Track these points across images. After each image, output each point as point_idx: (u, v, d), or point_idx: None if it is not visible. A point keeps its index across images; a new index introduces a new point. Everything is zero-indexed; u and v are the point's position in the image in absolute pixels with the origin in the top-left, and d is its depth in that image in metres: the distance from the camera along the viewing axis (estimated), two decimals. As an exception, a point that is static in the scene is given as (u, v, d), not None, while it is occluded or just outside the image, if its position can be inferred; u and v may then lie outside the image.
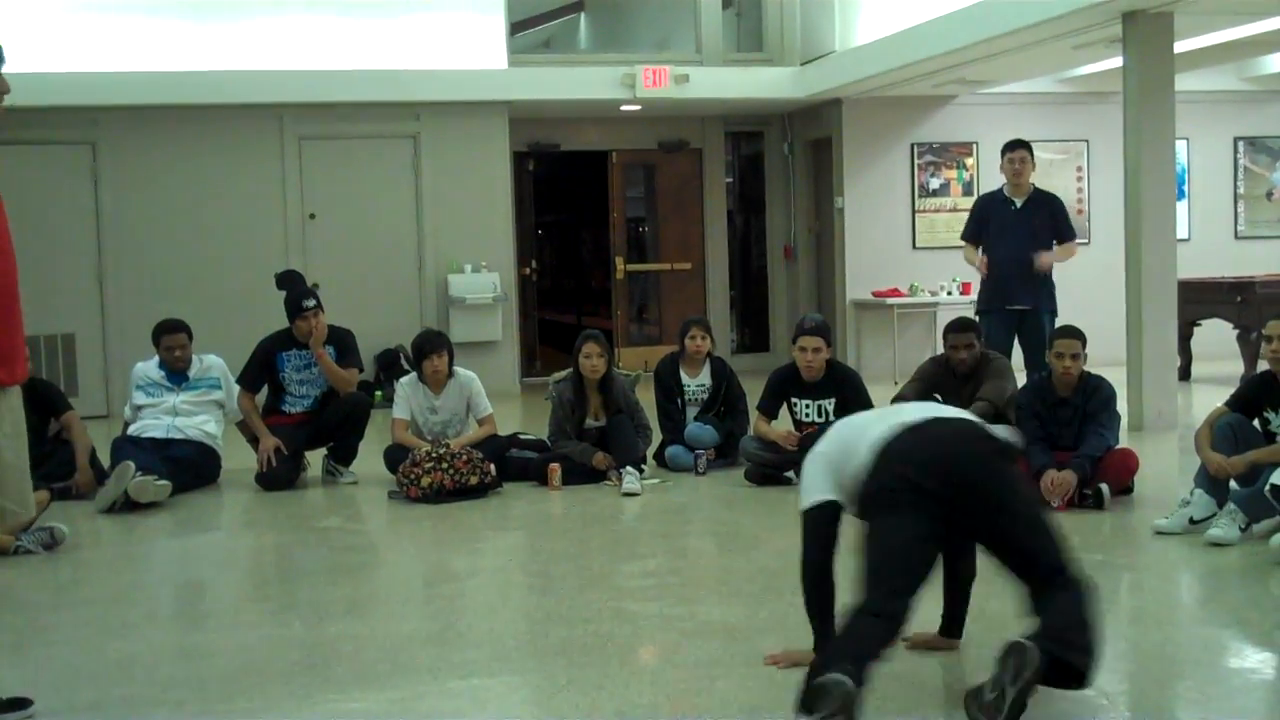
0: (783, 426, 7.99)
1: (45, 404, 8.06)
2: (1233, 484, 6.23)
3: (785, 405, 8.02)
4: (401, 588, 6.05)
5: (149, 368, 8.55)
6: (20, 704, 4.10)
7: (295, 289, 8.63)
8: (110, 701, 4.28)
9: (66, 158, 12.47)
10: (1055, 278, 9.24)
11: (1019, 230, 9.15)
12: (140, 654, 4.83)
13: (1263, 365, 6.47)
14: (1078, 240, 9.87)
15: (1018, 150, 9.25)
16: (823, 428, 5.78)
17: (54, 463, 7.85)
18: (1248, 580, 5.52)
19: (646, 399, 8.65)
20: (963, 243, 9.60)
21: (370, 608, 5.55)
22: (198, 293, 12.18)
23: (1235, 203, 14.74)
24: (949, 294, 13.18)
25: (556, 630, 4.94)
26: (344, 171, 13.03)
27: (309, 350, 8.47)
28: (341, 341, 8.57)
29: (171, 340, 8.47)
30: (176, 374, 8.47)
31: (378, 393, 11.87)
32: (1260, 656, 4.67)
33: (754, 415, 8.15)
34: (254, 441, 8.42)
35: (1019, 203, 9.24)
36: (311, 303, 8.48)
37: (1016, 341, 9.11)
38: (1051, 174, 13.28)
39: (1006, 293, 9.10)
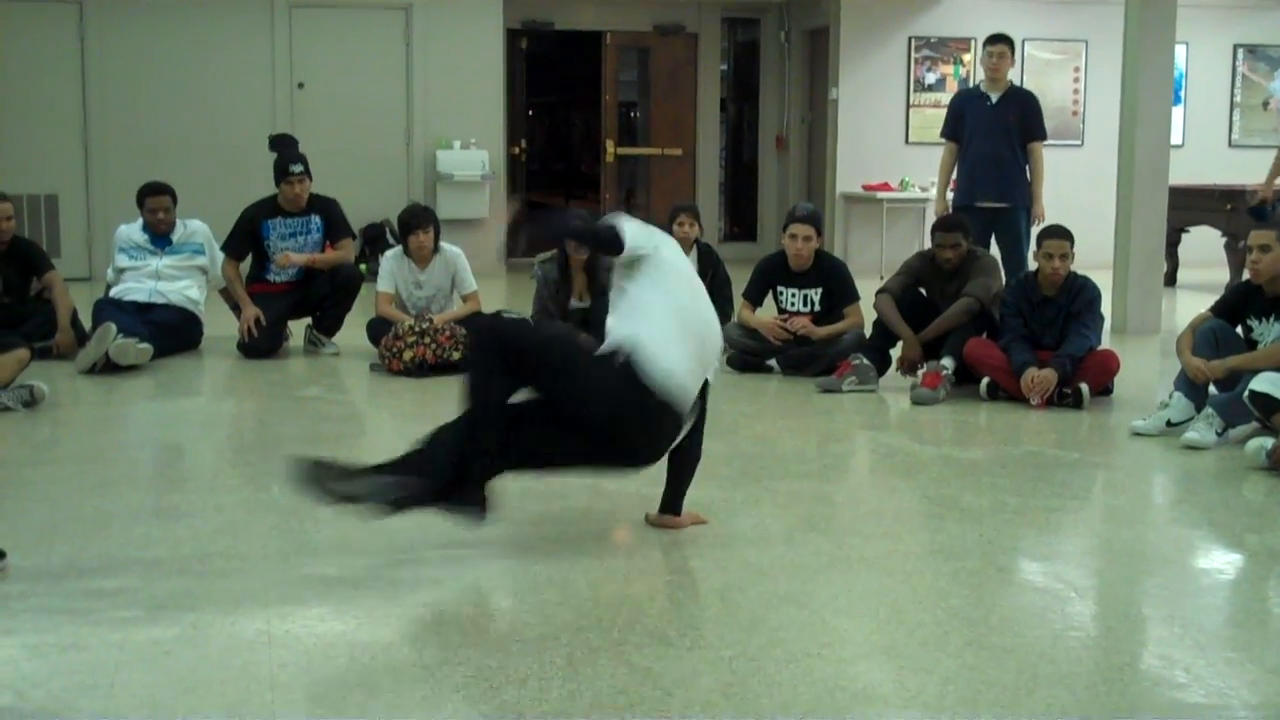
0: (767, 315, 7.98)
1: (27, 263, 8.05)
2: (1212, 389, 6.26)
3: (771, 294, 8.01)
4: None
5: (132, 230, 8.48)
6: (-6, 554, 4.11)
7: (286, 151, 8.52)
8: (85, 557, 4.29)
9: (53, 15, 12.24)
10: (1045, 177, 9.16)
11: (994, 126, 8.98)
12: (117, 512, 4.84)
13: (1247, 274, 6.46)
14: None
15: (997, 44, 9.06)
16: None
17: (35, 322, 7.83)
18: (1221, 483, 5.55)
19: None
20: (943, 140, 9.47)
21: (348, 476, 5.55)
22: (183, 157, 12.03)
23: (1231, 110, 14.66)
24: (939, 190, 13.11)
25: (533, 505, 4.96)
26: (334, 41, 12.86)
27: (295, 218, 8.40)
28: (327, 211, 8.50)
29: (155, 202, 8.40)
30: (160, 237, 8.41)
31: (363, 266, 11.80)
32: (1228, 557, 4.72)
33: (739, 303, 8.14)
34: (237, 309, 8.37)
35: (994, 98, 9.06)
36: (299, 168, 8.37)
37: (993, 239, 9.03)
38: (1049, 74, 13.18)
39: (980, 189, 8.99)
